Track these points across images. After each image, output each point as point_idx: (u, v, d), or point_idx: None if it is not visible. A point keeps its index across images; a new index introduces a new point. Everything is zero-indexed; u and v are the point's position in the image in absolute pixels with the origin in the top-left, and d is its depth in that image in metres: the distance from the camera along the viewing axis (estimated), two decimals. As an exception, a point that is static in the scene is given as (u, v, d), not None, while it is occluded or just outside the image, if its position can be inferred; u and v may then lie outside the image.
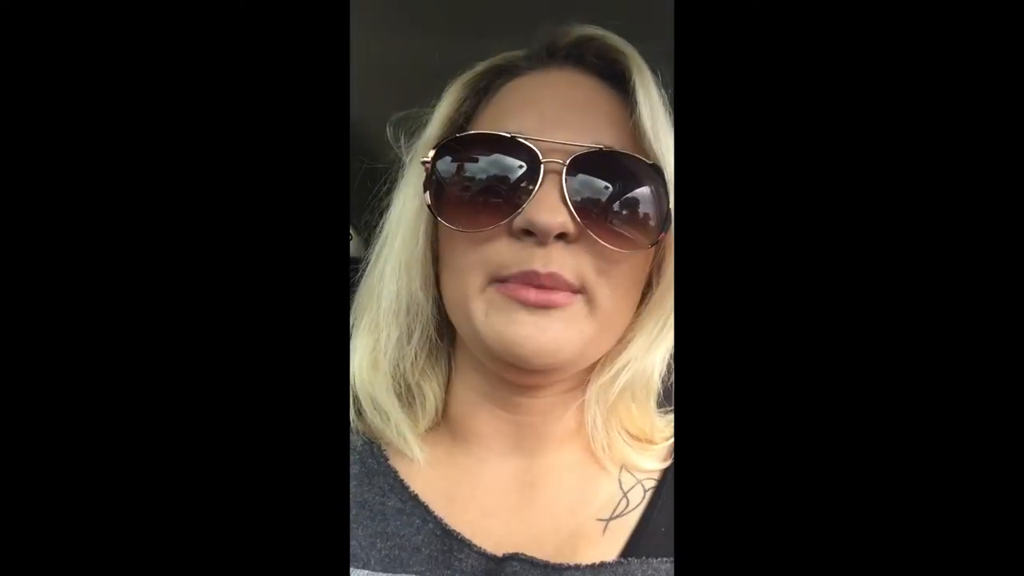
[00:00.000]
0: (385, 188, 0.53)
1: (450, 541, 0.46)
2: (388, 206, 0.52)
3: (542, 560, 0.44)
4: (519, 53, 0.52)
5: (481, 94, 0.51)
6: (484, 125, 0.49)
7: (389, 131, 0.54)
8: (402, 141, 0.53)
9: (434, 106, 0.52)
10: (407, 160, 0.52)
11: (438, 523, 0.46)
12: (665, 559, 0.44)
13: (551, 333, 0.44)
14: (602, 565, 0.44)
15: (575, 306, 0.44)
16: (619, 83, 0.48)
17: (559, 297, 0.43)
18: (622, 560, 0.45)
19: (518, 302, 0.43)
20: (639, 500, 0.48)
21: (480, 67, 0.52)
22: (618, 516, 0.47)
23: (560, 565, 0.44)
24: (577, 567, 0.44)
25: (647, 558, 0.45)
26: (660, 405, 0.51)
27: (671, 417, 0.51)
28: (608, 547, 0.46)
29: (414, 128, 0.52)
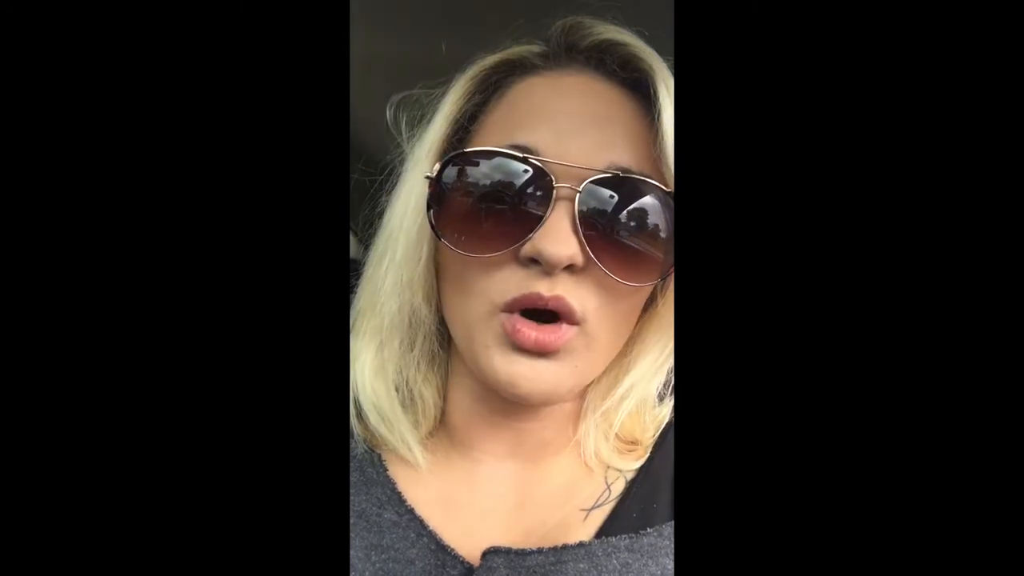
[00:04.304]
0: (386, 187, 0.50)
1: (443, 556, 0.46)
2: (388, 206, 0.50)
3: (505, 547, 0.45)
4: (535, 49, 0.48)
5: (490, 91, 0.48)
6: (493, 128, 0.46)
7: (389, 114, 0.51)
8: (403, 127, 0.50)
9: (437, 87, 0.48)
10: (409, 156, 0.49)
11: (432, 537, 0.47)
12: (624, 536, 0.46)
13: (547, 374, 0.43)
14: (564, 547, 0.45)
15: (571, 343, 0.43)
16: (641, 93, 0.45)
17: (557, 339, 0.42)
18: (582, 541, 0.45)
19: (517, 344, 0.42)
20: (620, 490, 0.49)
21: (490, 61, 0.48)
22: (600, 505, 0.48)
23: (524, 550, 0.45)
24: (540, 551, 0.45)
25: (607, 537, 0.46)
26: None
27: (656, 411, 0.51)
28: (585, 532, 0.47)
29: (417, 113, 0.49)
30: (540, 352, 0.42)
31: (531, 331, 0.42)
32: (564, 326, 0.43)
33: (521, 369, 0.42)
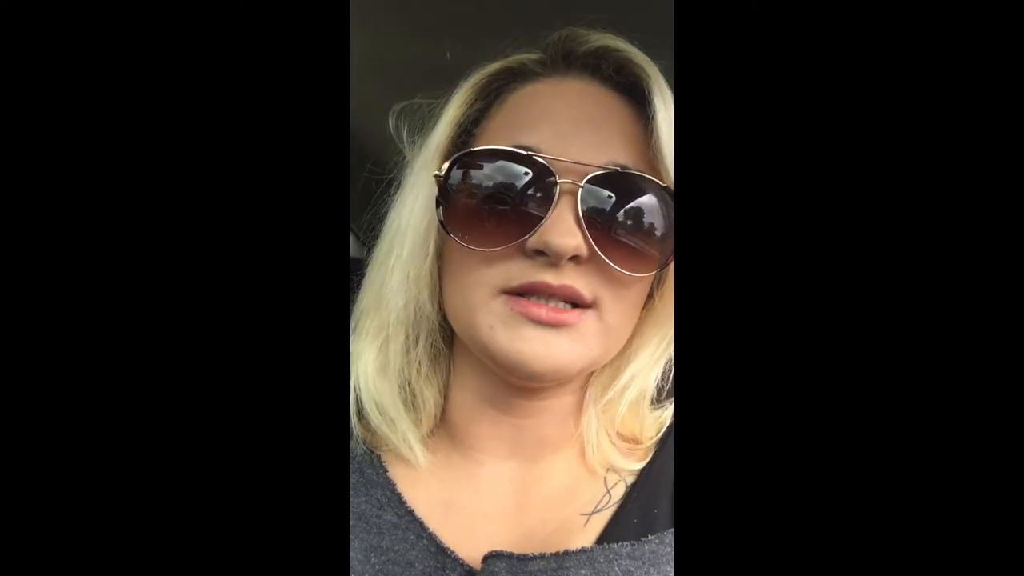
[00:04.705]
0: (393, 188, 0.51)
1: (443, 559, 0.46)
2: (392, 208, 0.51)
3: (506, 552, 0.45)
4: (533, 57, 0.50)
5: (491, 97, 0.49)
6: (495, 132, 0.47)
7: (391, 121, 0.52)
8: (404, 134, 0.51)
9: (439, 98, 0.50)
10: (412, 161, 0.50)
11: (432, 540, 0.47)
12: (626, 543, 0.46)
13: (559, 350, 0.44)
14: (566, 553, 0.45)
15: (584, 323, 0.44)
16: (636, 96, 0.47)
17: (570, 316, 0.43)
18: (584, 547, 0.45)
19: (527, 318, 0.43)
20: (621, 495, 0.49)
21: (491, 69, 0.50)
22: (600, 510, 0.48)
23: (525, 556, 0.45)
24: (541, 556, 0.45)
25: (608, 544, 0.46)
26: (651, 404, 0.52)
27: (658, 413, 0.51)
28: (586, 538, 0.47)
29: (418, 122, 0.51)
30: (553, 324, 0.43)
31: (542, 307, 0.43)
32: (577, 309, 0.44)
33: (532, 346, 0.43)
